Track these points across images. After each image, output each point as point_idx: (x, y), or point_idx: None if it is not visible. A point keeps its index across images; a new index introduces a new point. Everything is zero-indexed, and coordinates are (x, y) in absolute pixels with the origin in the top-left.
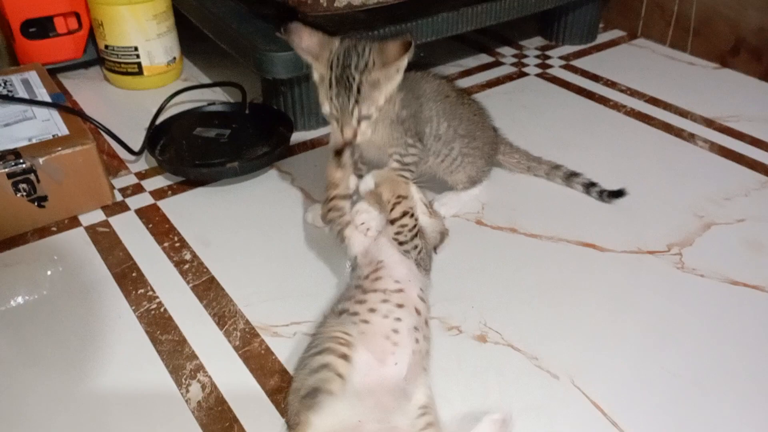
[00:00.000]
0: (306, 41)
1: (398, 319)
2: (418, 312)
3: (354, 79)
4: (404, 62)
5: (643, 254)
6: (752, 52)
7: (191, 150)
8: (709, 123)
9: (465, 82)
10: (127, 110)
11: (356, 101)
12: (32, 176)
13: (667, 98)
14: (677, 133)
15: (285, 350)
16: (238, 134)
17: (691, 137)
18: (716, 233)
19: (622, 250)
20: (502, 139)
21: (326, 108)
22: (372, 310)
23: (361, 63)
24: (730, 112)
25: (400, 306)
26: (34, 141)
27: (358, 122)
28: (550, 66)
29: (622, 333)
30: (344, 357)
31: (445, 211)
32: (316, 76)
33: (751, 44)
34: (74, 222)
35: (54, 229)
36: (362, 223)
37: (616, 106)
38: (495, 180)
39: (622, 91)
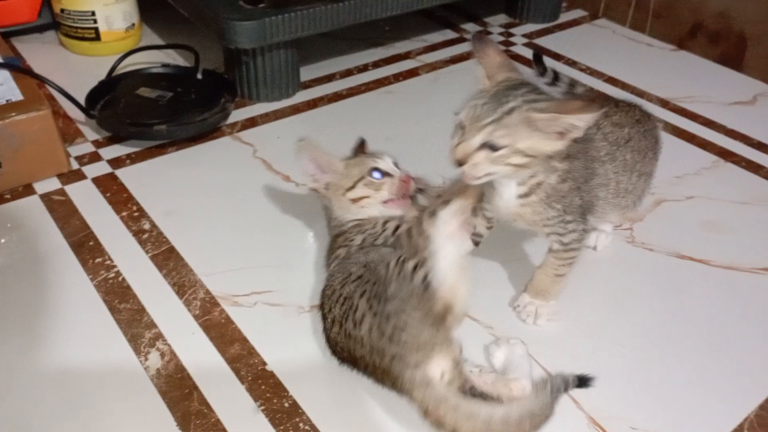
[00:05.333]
0: (491, 57)
1: None
2: None
3: (512, 99)
4: (577, 124)
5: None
6: (709, 35)
7: (127, 109)
8: (665, 103)
9: (430, 58)
10: (82, 77)
11: (496, 120)
12: None
13: (625, 78)
14: None
15: (245, 319)
16: (180, 98)
17: None
18: (666, 210)
19: None
20: None
21: (461, 115)
22: None
23: (532, 96)
24: (685, 93)
25: None
26: None
27: (481, 146)
28: (513, 44)
29: (573, 303)
30: None
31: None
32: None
33: (709, 28)
34: (29, 190)
35: (8, 196)
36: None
37: None
38: None
39: (582, 69)
